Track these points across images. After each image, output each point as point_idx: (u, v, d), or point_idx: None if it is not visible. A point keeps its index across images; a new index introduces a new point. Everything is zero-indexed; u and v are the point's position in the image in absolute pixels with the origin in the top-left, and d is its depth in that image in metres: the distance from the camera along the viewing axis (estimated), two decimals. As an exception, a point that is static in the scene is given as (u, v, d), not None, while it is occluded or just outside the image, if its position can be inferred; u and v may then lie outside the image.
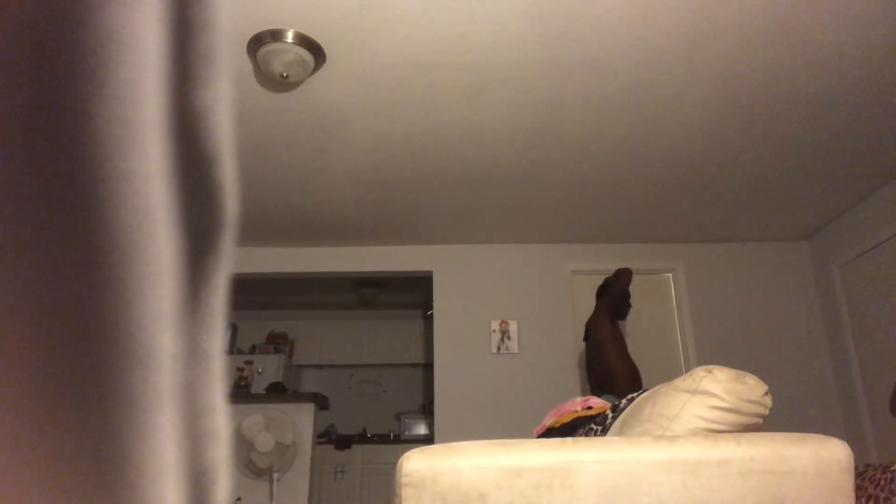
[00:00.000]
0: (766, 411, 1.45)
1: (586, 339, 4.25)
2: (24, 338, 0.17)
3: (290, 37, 2.70)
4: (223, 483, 0.27)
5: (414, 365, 7.48)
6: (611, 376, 3.92)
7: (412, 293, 6.89)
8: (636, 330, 5.00)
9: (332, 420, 7.16)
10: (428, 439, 6.38)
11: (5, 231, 0.17)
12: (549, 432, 2.09)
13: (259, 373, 6.48)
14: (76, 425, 0.18)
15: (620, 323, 4.82)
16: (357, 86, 3.09)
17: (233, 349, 6.82)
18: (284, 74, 2.83)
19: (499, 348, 4.96)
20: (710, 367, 1.48)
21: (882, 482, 2.29)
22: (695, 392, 1.44)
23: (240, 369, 6.43)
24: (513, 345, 4.96)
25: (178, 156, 0.24)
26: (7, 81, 0.18)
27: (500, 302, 5.09)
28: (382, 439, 6.63)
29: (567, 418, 2.08)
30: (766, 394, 1.46)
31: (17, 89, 0.18)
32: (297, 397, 4.93)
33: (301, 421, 4.71)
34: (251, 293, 6.67)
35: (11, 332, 0.17)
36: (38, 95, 0.18)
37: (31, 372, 0.17)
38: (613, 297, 4.13)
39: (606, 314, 4.10)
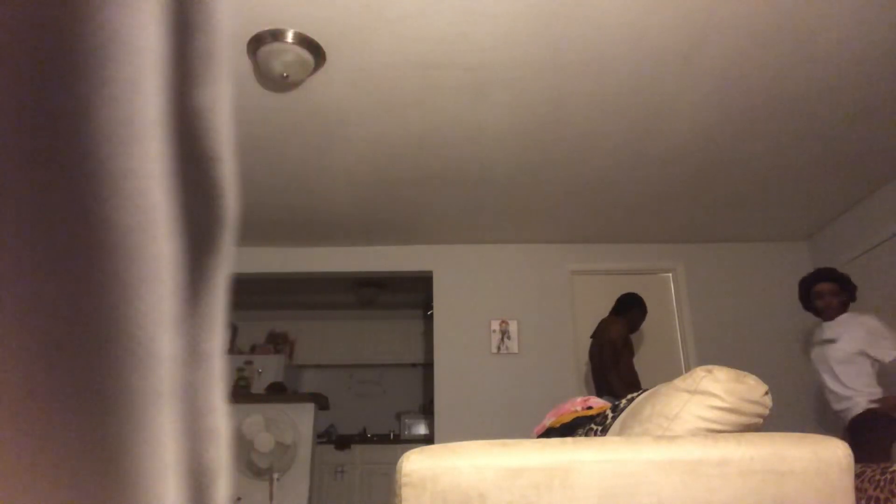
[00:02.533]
0: (767, 411, 1.45)
1: (594, 336, 4.25)
2: (24, 338, 0.17)
3: (290, 37, 2.70)
4: (223, 483, 0.27)
5: (414, 365, 7.48)
6: (608, 380, 3.93)
7: (412, 293, 6.89)
8: (636, 330, 5.00)
9: (332, 420, 7.16)
10: (428, 439, 6.38)
11: (5, 231, 0.17)
12: (549, 432, 2.09)
13: (259, 373, 6.48)
14: (76, 426, 0.18)
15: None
16: (357, 86, 3.09)
17: (233, 349, 6.82)
18: (284, 74, 2.83)
19: (499, 348, 4.96)
20: (710, 367, 1.48)
21: (882, 483, 2.29)
22: (695, 392, 1.44)
23: (240, 369, 6.43)
24: (513, 345, 4.96)
25: (178, 156, 0.24)
26: (8, 81, 0.18)
27: (500, 302, 5.09)
28: (382, 439, 6.63)
29: (567, 418, 2.08)
30: (766, 394, 1.46)
31: (18, 89, 0.18)
32: (297, 397, 4.93)
33: (301, 421, 4.71)
34: (251, 293, 6.67)
35: (11, 331, 0.17)
36: (39, 95, 0.18)
37: (31, 372, 0.17)
38: (636, 321, 4.29)
39: (626, 325, 4.19)
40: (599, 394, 3.98)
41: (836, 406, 3.58)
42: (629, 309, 4.31)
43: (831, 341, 3.58)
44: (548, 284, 5.13)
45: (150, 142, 0.20)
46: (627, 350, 4.01)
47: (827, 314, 3.64)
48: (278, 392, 5.48)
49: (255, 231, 4.88)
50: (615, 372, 3.90)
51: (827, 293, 3.62)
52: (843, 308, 3.62)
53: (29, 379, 0.17)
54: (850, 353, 3.48)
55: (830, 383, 3.58)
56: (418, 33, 2.73)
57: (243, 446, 4.41)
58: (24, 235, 0.17)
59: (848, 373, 3.50)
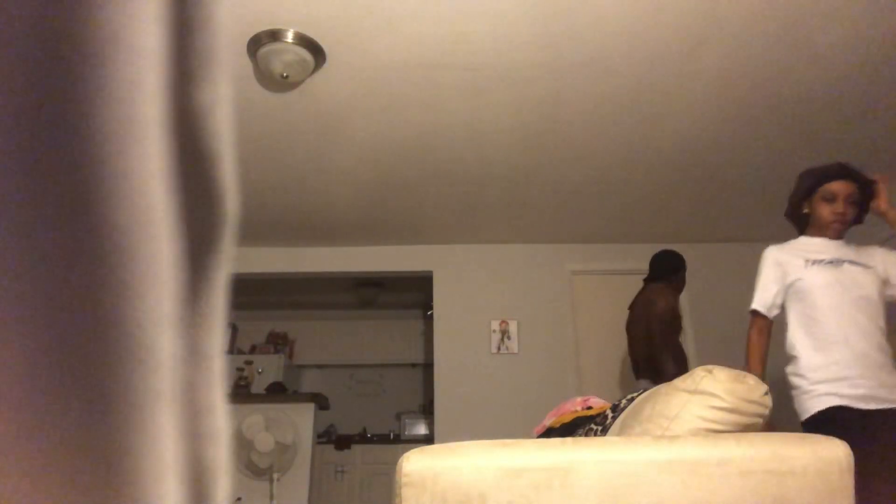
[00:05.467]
0: (767, 411, 1.45)
1: (633, 308, 3.78)
2: (24, 337, 0.17)
3: (290, 37, 2.69)
4: (223, 483, 0.27)
5: (414, 365, 7.48)
6: (657, 361, 3.47)
7: (412, 293, 6.89)
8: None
9: (332, 420, 7.16)
10: (428, 439, 6.37)
11: (5, 231, 0.17)
12: (549, 432, 2.09)
13: (259, 373, 6.48)
14: (77, 425, 0.18)
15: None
16: (357, 86, 3.09)
17: (233, 349, 6.82)
18: (284, 74, 2.83)
19: (499, 348, 4.96)
20: (710, 367, 1.48)
21: (882, 482, 2.28)
22: (695, 392, 1.44)
23: (240, 369, 6.43)
24: (513, 345, 4.96)
25: (178, 156, 0.24)
26: (7, 81, 0.18)
27: (500, 302, 5.09)
28: (382, 439, 6.63)
29: (567, 418, 2.08)
30: (766, 394, 1.46)
31: (18, 89, 0.18)
32: (297, 397, 4.94)
33: (301, 421, 4.71)
34: (251, 293, 6.67)
35: (12, 331, 0.17)
36: (39, 95, 0.18)
37: (33, 371, 0.17)
38: (682, 282, 3.65)
39: (674, 293, 3.62)
40: (639, 374, 3.57)
41: (870, 380, 2.18)
42: (676, 272, 3.59)
43: (860, 265, 2.29)
44: (548, 284, 5.13)
45: (150, 142, 0.20)
46: (677, 323, 3.48)
47: (834, 229, 2.36)
48: (278, 392, 5.48)
49: (255, 231, 4.88)
50: (667, 352, 3.34)
51: (844, 198, 2.33)
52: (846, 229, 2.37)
53: (29, 379, 0.17)
54: (880, 291, 2.29)
55: (858, 333, 2.23)
56: (418, 33, 2.73)
57: (243, 446, 4.41)
58: (25, 235, 0.17)
59: (880, 320, 2.25)
